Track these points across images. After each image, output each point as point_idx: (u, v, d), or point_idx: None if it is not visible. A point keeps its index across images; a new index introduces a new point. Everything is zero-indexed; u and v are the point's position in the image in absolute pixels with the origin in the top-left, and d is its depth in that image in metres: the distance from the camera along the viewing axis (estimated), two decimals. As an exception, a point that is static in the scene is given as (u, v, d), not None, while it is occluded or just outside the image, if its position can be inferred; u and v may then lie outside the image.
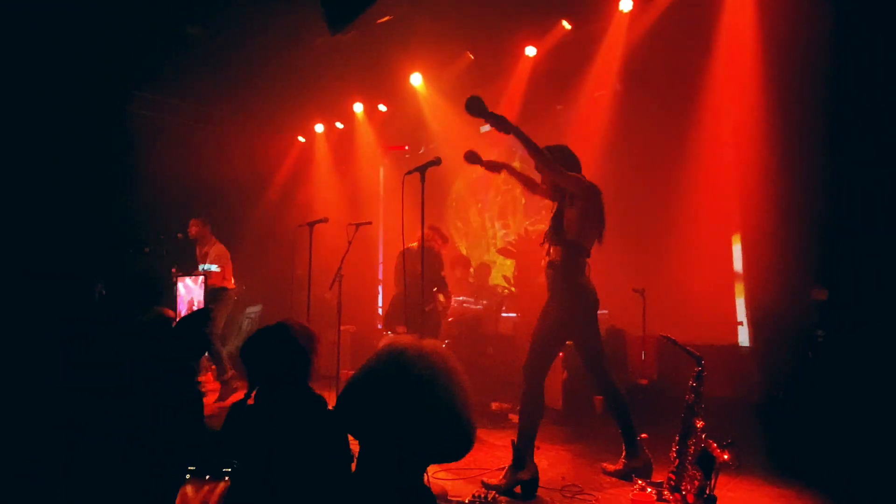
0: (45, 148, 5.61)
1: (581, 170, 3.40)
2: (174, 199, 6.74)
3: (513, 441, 3.26)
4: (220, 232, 6.33)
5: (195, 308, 5.73)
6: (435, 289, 5.29)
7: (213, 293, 5.90)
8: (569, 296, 3.24)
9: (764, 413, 3.84)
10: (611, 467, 3.40)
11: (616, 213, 6.14)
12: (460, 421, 0.90)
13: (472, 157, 3.48)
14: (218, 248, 6.06)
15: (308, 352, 1.98)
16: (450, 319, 5.97)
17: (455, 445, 0.91)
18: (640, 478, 3.04)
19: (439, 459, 0.93)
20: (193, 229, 6.12)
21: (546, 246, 3.34)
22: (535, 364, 3.28)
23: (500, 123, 3.11)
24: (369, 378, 0.91)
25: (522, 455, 3.18)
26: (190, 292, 5.86)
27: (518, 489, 3.13)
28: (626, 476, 3.25)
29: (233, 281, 6.12)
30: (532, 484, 3.13)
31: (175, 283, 5.89)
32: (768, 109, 4.68)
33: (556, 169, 3.22)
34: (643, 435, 3.43)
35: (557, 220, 3.28)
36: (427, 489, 0.95)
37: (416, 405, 0.86)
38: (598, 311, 3.43)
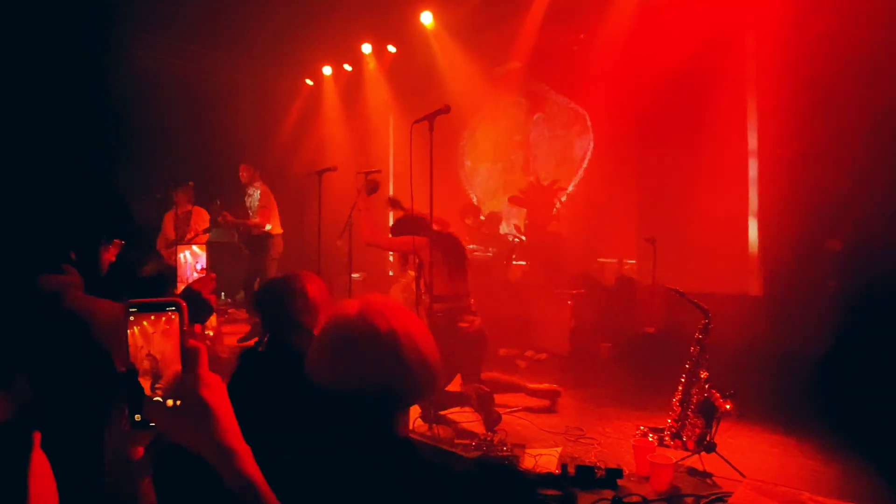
0: (45, 94, 5.50)
1: (428, 226, 3.47)
2: (180, 145, 6.66)
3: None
4: (228, 176, 6.32)
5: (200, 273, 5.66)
6: None
7: (256, 240, 5.98)
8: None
9: (772, 363, 3.85)
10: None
11: (633, 158, 6.10)
12: (424, 362, 1.01)
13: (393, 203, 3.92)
14: (265, 190, 6.21)
15: (318, 303, 2.00)
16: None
17: (424, 386, 1.02)
18: None
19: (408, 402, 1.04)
20: (244, 174, 6.23)
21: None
22: None
23: None
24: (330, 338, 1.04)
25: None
26: (196, 259, 5.78)
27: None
28: None
29: (279, 226, 6.18)
30: None
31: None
32: (791, 50, 4.43)
33: (381, 242, 3.88)
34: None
35: (417, 271, 3.62)
36: (402, 439, 1.02)
37: (381, 356, 0.97)
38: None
